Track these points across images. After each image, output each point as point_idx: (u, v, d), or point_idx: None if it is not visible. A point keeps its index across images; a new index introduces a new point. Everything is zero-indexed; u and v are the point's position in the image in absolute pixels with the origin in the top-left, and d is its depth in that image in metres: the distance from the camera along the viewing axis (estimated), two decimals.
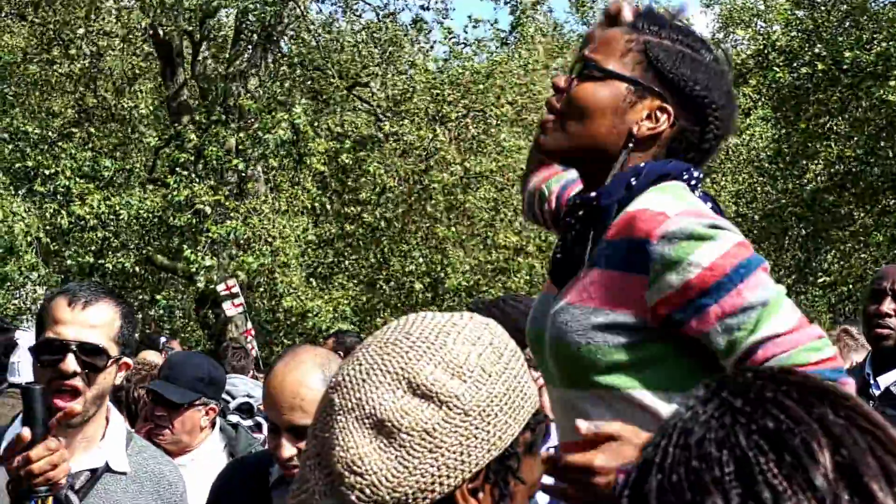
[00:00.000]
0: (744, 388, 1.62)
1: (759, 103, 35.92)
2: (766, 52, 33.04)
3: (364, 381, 2.53)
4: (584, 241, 3.75)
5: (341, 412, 2.52)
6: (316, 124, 33.30)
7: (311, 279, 33.76)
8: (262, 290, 32.79)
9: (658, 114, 3.66)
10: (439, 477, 2.51)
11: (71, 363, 4.67)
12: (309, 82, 35.49)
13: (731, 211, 39.79)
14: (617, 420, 3.49)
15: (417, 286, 33.78)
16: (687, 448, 1.56)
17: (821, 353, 3.44)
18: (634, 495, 1.60)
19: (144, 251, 32.22)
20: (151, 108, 35.71)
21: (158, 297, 33.88)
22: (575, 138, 3.73)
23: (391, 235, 33.79)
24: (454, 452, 2.52)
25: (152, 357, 11.31)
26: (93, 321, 4.82)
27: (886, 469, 1.50)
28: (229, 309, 25.68)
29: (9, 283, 29.84)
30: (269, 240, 30.76)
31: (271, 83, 33.58)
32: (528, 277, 33.10)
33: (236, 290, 24.61)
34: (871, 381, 6.88)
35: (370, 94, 34.14)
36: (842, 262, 35.68)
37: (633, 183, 3.63)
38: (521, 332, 5.17)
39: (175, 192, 30.14)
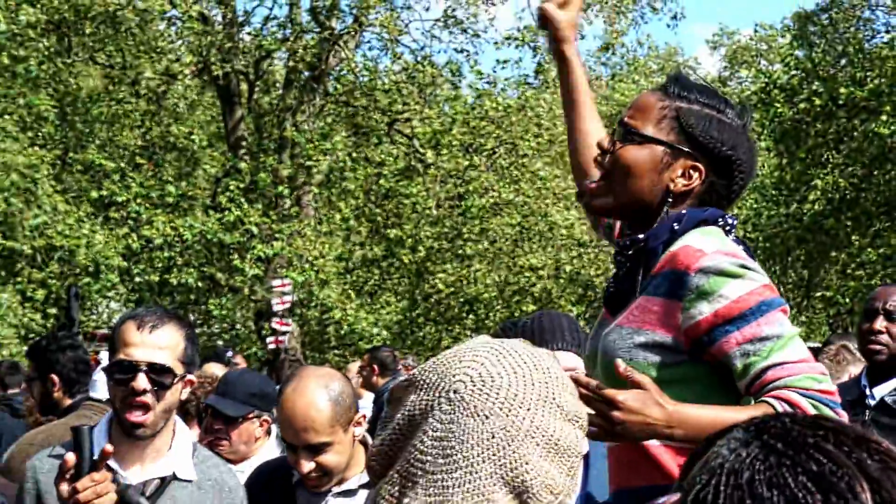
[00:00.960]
0: (783, 432, 1.65)
1: (762, 136, 33.81)
2: (768, 89, 32.74)
3: (531, 406, 2.43)
4: (634, 275, 3.83)
5: (523, 434, 2.40)
6: (354, 155, 33.50)
7: (350, 294, 33.20)
8: (312, 304, 32.14)
9: (691, 172, 3.74)
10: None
11: (141, 382, 4.74)
12: (352, 118, 35.21)
13: (739, 233, 39.52)
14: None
15: (453, 302, 34.34)
16: (739, 488, 1.59)
17: (822, 384, 3.51)
18: None
19: (205, 269, 32.19)
20: (206, 140, 35.62)
21: (211, 305, 33.56)
22: (620, 196, 3.80)
23: (428, 255, 33.50)
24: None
25: (216, 370, 10.91)
26: (160, 343, 4.87)
27: None
28: (277, 324, 25.30)
29: (90, 303, 30.23)
30: (311, 259, 30.65)
31: (317, 118, 33.36)
32: (538, 297, 33.58)
33: (288, 289, 24.32)
34: (868, 393, 6.82)
35: (410, 130, 33.86)
36: (840, 280, 34.65)
37: (676, 228, 3.70)
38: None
39: (227, 214, 30.59)
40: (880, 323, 6.73)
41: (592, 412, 3.38)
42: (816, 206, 31.84)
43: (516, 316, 32.32)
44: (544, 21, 4.53)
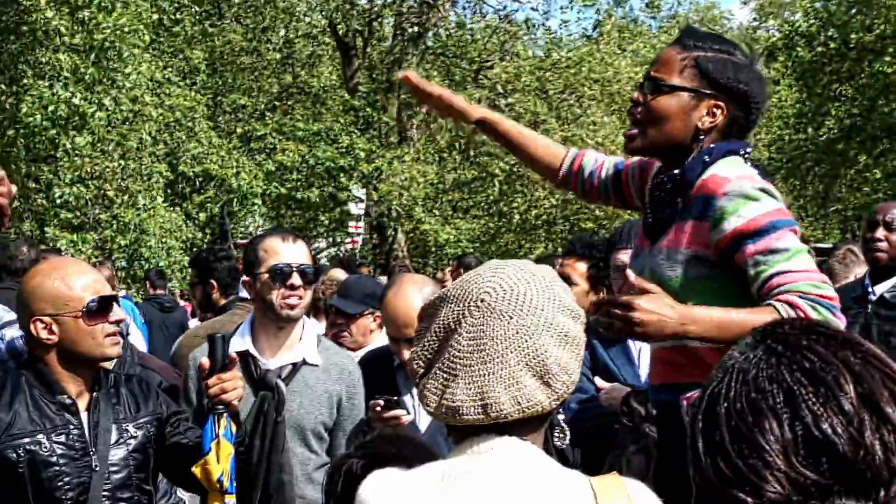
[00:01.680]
0: (783, 337, 1.69)
1: (786, 74, 34.38)
2: (790, 35, 32.01)
3: (543, 307, 2.46)
4: (674, 205, 3.78)
5: (541, 328, 2.45)
6: None
7: (437, 212, 33.66)
8: (402, 221, 32.24)
9: (715, 110, 3.70)
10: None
11: (296, 279, 4.88)
12: (446, 67, 34.90)
13: (765, 155, 38.01)
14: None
15: (529, 217, 34.37)
16: (746, 383, 1.63)
17: (822, 290, 3.48)
18: (707, 419, 1.68)
19: (326, 188, 32.23)
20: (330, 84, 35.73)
21: (322, 217, 34.42)
22: (656, 139, 3.76)
23: (506, 180, 33.41)
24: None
25: (339, 275, 10.97)
26: (301, 251, 5.03)
27: (894, 397, 1.57)
28: (352, 228, 24.49)
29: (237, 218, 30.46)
30: (404, 180, 30.77)
31: (417, 67, 32.16)
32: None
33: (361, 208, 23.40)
34: (870, 290, 6.72)
35: (492, 76, 33.76)
36: (849, 194, 34.81)
37: (707, 160, 3.68)
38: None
39: (341, 142, 31.02)
40: (880, 232, 6.66)
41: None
42: (830, 133, 31.43)
43: (575, 230, 32.70)
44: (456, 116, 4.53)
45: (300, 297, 4.90)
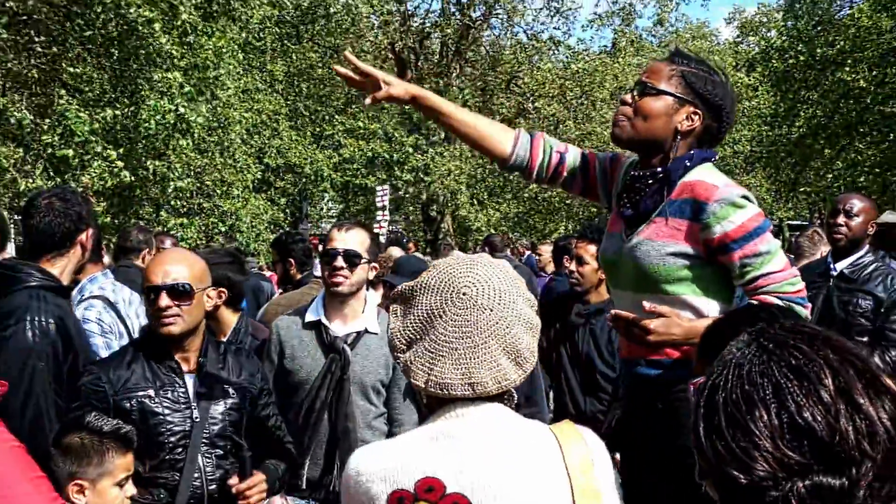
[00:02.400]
0: (773, 336, 1.66)
1: (763, 82, 34.35)
2: (767, 50, 32.17)
3: (514, 301, 2.45)
4: (657, 198, 3.72)
5: (513, 319, 2.43)
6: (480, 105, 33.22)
7: (475, 201, 33.30)
8: (444, 208, 32.39)
9: (693, 116, 3.66)
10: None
11: (339, 262, 4.81)
12: (483, 77, 35.01)
13: (747, 149, 38.63)
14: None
15: (552, 199, 34.23)
16: (740, 377, 1.61)
17: (795, 286, 3.54)
18: (707, 406, 1.65)
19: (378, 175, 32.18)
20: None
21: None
22: (641, 133, 3.71)
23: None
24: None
25: (394, 252, 10.39)
26: (351, 238, 4.91)
27: (867, 389, 1.55)
28: (380, 216, 24.56)
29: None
30: (445, 173, 30.96)
31: (459, 77, 33.29)
32: None
33: (387, 193, 23.41)
34: (832, 267, 6.62)
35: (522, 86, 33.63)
36: (816, 180, 34.36)
37: (688, 164, 3.64)
38: None
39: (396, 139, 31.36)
40: (841, 219, 6.57)
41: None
42: (800, 130, 31.16)
43: (592, 210, 32.63)
44: (390, 99, 4.16)
45: (345, 277, 4.84)
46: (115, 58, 17.57)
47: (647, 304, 3.53)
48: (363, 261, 4.90)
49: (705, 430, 1.64)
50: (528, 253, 14.30)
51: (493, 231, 30.86)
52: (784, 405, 1.55)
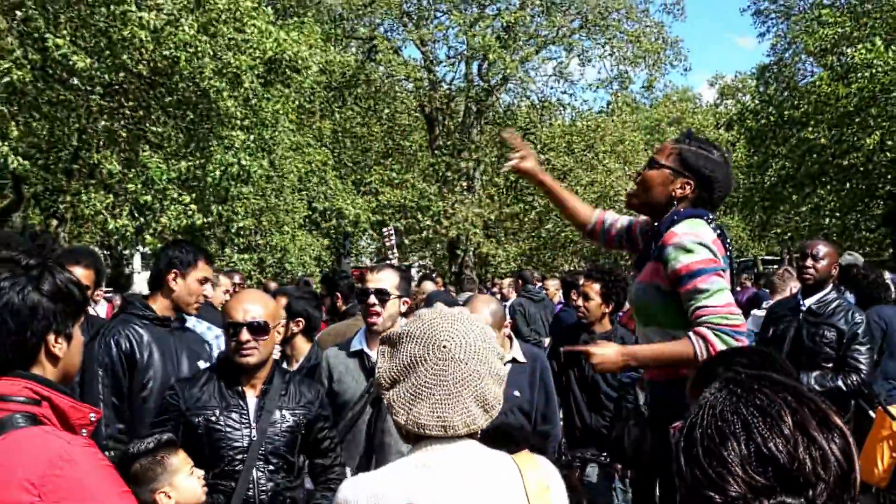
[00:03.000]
0: (741, 382, 1.68)
1: (739, 138, 33.78)
2: (742, 111, 32.19)
3: (486, 357, 2.43)
4: (649, 249, 3.87)
5: (485, 372, 2.42)
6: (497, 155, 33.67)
7: (492, 239, 33.35)
8: (467, 245, 32.14)
9: (686, 186, 3.75)
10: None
11: (371, 299, 4.74)
12: (498, 134, 34.77)
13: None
14: (658, 340, 3.76)
15: (560, 239, 34.40)
16: (714, 416, 1.63)
17: (729, 321, 3.56)
18: (687, 440, 1.66)
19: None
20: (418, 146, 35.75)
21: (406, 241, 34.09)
22: (644, 199, 3.85)
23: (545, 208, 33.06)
24: None
25: (428, 286, 10.53)
26: (381, 278, 4.84)
27: (821, 425, 1.58)
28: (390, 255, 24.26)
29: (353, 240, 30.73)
30: (464, 218, 30.90)
31: (481, 134, 33.40)
32: None
33: (392, 233, 23.52)
34: (801, 303, 6.54)
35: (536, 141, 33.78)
36: (785, 223, 34.49)
37: (675, 219, 3.72)
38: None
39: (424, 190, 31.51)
40: (809, 262, 6.49)
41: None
42: (771, 179, 31.20)
43: (593, 248, 32.65)
44: (520, 173, 4.61)
45: (377, 313, 4.77)
46: (189, 119, 17.94)
47: (588, 348, 3.76)
48: (393, 296, 4.81)
49: (685, 460, 1.65)
50: (538, 284, 14.25)
51: (508, 266, 31.09)
52: (752, 438, 1.58)
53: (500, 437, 3.14)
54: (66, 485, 2.26)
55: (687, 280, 3.60)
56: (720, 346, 3.47)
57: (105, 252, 25.10)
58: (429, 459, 2.40)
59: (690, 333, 3.57)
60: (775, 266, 49.44)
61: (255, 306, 3.97)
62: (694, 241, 3.62)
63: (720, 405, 1.66)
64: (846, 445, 1.60)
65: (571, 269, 37.41)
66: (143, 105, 18.13)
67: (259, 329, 3.93)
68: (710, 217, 3.81)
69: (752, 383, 1.68)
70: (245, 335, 3.90)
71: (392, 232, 21.57)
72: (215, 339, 5.69)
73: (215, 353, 5.11)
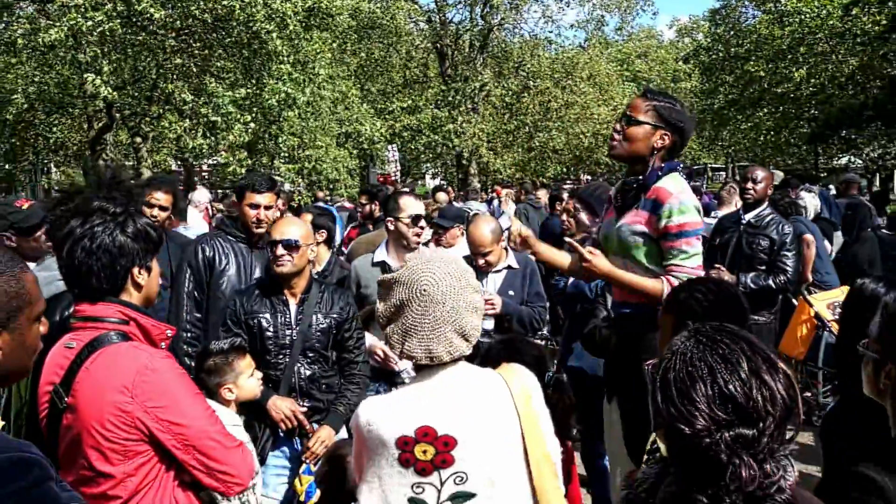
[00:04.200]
0: (707, 334, 1.67)
1: (695, 70, 34.28)
2: (697, 48, 32.80)
3: (461, 291, 2.36)
4: (637, 196, 3.67)
5: (462, 307, 2.35)
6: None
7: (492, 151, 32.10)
8: (472, 157, 31.15)
9: (664, 137, 3.59)
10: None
11: (422, 223, 4.76)
12: (499, 65, 33.55)
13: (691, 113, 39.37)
14: (634, 271, 3.63)
15: (547, 151, 34.14)
16: (685, 361, 1.62)
17: (695, 270, 3.51)
18: (662, 381, 1.65)
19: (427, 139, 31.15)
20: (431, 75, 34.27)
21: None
22: (627, 151, 3.64)
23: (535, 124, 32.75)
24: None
25: (442, 196, 10.53)
26: (422, 205, 4.86)
27: (770, 370, 1.59)
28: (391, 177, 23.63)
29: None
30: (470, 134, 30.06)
31: (484, 67, 32.18)
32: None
33: (395, 157, 22.65)
34: (742, 217, 6.48)
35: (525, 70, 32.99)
36: (729, 139, 34.41)
37: (660, 174, 3.58)
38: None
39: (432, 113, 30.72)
40: (749, 184, 6.42)
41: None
42: (719, 103, 31.04)
43: (576, 154, 32.39)
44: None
45: (419, 234, 4.78)
46: (244, 56, 18.12)
47: (583, 251, 3.63)
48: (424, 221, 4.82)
49: (661, 398, 1.66)
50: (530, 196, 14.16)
51: (506, 174, 30.83)
52: (715, 380, 1.60)
53: (510, 348, 3.13)
54: (151, 388, 2.32)
55: (674, 238, 3.50)
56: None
57: (179, 163, 25.02)
58: (433, 386, 2.37)
59: (664, 278, 3.50)
60: (721, 172, 49.43)
61: (289, 228, 3.94)
62: (688, 202, 3.52)
63: (689, 353, 1.66)
64: (790, 386, 1.63)
65: (556, 175, 37.34)
66: (208, 45, 18.27)
67: (290, 246, 3.89)
68: (681, 168, 3.72)
69: (716, 335, 1.68)
70: (280, 250, 3.88)
71: (395, 151, 21.37)
72: None
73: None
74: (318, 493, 3.62)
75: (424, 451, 2.28)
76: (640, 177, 3.67)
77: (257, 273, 4.47)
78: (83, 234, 2.43)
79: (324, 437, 3.87)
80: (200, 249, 4.46)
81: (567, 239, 3.86)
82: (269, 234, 4.06)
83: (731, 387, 1.59)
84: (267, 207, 4.52)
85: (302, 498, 3.75)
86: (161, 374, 2.35)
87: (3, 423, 1.97)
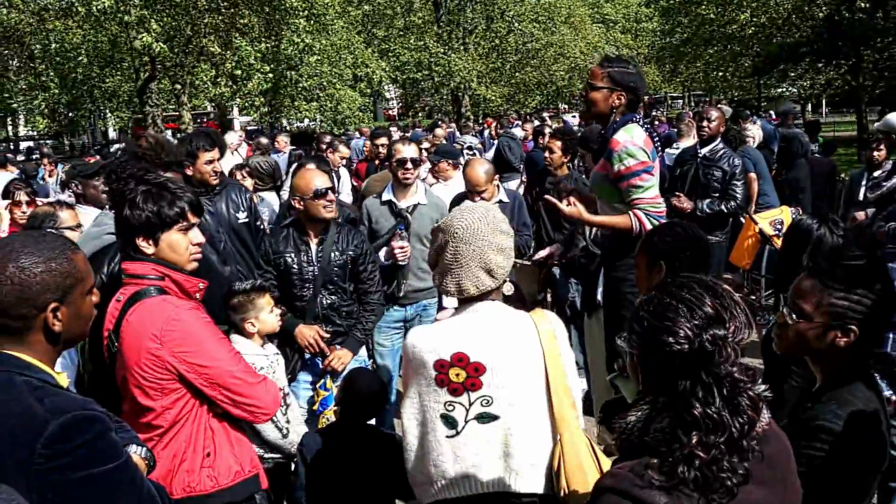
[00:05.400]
0: (677, 284, 1.64)
1: (656, 12, 33.86)
2: None
3: (488, 234, 2.32)
4: (602, 149, 3.66)
5: (488, 248, 2.31)
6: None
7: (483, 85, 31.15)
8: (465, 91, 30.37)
9: (620, 97, 3.52)
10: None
11: (409, 165, 4.65)
12: (487, 11, 32.51)
13: (645, 52, 38.39)
14: (606, 211, 3.65)
15: (530, 85, 33.46)
16: (661, 299, 1.61)
17: (656, 208, 3.48)
18: (641, 315, 1.63)
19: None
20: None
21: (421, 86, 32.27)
22: (594, 110, 3.59)
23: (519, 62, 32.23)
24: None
25: (439, 132, 10.13)
26: (413, 148, 4.76)
27: (726, 292, 1.61)
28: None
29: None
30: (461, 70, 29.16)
31: (473, 12, 31.45)
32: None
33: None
34: (699, 151, 6.29)
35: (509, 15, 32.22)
36: (686, 71, 33.51)
37: (615, 127, 3.52)
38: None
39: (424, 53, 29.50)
40: (704, 123, 6.24)
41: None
42: (677, 41, 30.59)
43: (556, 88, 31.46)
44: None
45: (411, 174, 4.67)
46: (265, 11, 17.78)
47: (564, 209, 3.61)
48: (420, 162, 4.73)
49: (643, 325, 1.64)
50: (515, 122, 13.95)
51: (497, 102, 30.38)
52: (689, 307, 1.59)
53: None
54: (178, 335, 2.33)
55: (627, 178, 3.46)
56: (649, 226, 3.40)
57: (213, 105, 24.70)
58: (468, 318, 2.34)
59: (630, 213, 3.47)
60: (679, 100, 48.74)
61: (325, 179, 3.86)
62: (632, 147, 3.46)
63: (664, 292, 1.65)
64: (746, 309, 1.63)
65: (537, 106, 36.81)
66: (234, 3, 17.83)
67: (330, 194, 3.83)
68: (638, 117, 3.62)
69: (686, 283, 1.66)
70: (326, 199, 3.78)
71: (393, 90, 20.84)
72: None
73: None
74: (333, 405, 3.65)
75: (457, 374, 2.27)
76: (604, 131, 3.65)
77: (226, 214, 4.37)
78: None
79: (341, 355, 3.84)
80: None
81: (546, 197, 3.77)
82: (302, 185, 3.84)
83: (698, 305, 1.59)
84: (217, 160, 4.38)
85: (316, 408, 3.76)
86: (185, 322, 2.35)
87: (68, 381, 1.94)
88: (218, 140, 4.45)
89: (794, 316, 2.03)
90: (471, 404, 2.27)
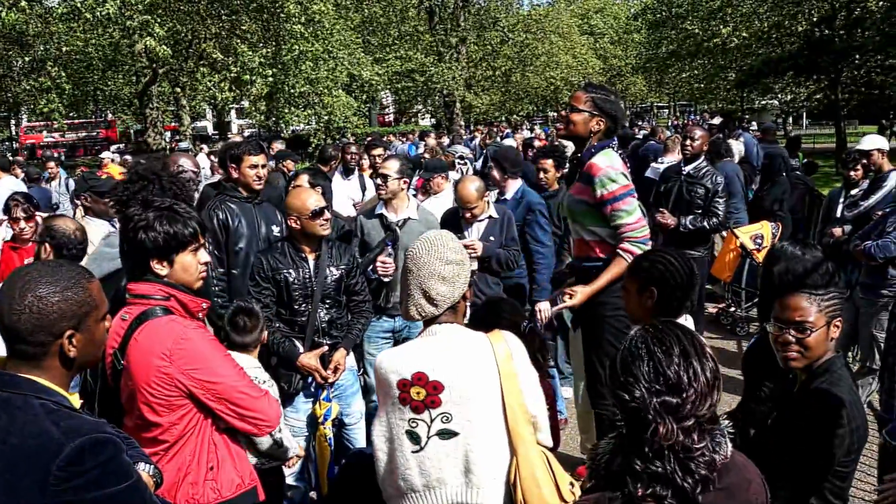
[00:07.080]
0: (654, 328, 1.67)
1: (643, 25, 34.05)
2: (644, 8, 32.06)
3: (431, 263, 2.36)
4: (576, 172, 3.70)
5: (429, 277, 2.35)
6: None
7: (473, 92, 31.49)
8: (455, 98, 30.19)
9: (600, 122, 3.56)
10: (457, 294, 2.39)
11: (379, 181, 4.65)
12: (480, 21, 32.63)
13: (633, 62, 38.63)
14: (581, 234, 3.67)
15: (521, 94, 33.45)
16: (634, 346, 1.64)
17: (642, 233, 3.50)
18: (615, 362, 1.67)
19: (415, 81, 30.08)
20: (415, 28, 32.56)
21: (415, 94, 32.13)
22: (571, 133, 3.62)
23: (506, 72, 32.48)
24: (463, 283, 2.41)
25: (431, 141, 9.98)
26: (393, 166, 4.69)
27: (698, 355, 1.62)
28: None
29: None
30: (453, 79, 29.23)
31: (466, 22, 31.25)
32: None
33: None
34: (683, 168, 6.28)
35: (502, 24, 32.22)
36: (672, 82, 34.16)
37: (593, 151, 3.55)
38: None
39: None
40: (688, 142, 6.25)
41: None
42: (663, 54, 30.76)
43: (545, 96, 31.54)
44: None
45: (381, 188, 4.68)
46: (265, 18, 17.84)
47: (543, 310, 3.86)
48: (397, 178, 4.65)
49: (613, 374, 1.68)
50: (507, 130, 13.96)
51: (487, 108, 30.34)
52: (651, 360, 1.62)
53: (491, 310, 3.08)
54: (186, 354, 2.35)
55: (611, 202, 3.48)
56: (637, 251, 3.41)
57: (211, 107, 24.61)
58: (427, 341, 2.39)
59: (619, 251, 3.49)
60: (665, 110, 48.93)
61: (318, 198, 3.85)
62: (613, 172, 3.49)
63: (636, 339, 1.68)
64: (714, 369, 1.64)
65: (528, 113, 36.88)
66: (236, 10, 17.85)
67: (325, 213, 3.84)
68: (613, 145, 3.66)
69: (659, 326, 1.70)
70: (322, 218, 3.77)
71: (389, 96, 20.70)
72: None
73: None
74: (333, 414, 3.74)
75: (418, 393, 2.31)
76: (580, 155, 3.65)
77: (263, 226, 4.27)
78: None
79: (337, 357, 3.84)
80: (214, 214, 4.14)
81: (554, 307, 3.79)
82: (298, 205, 3.83)
83: (662, 365, 1.60)
84: (262, 166, 4.33)
85: (320, 420, 3.80)
86: (193, 342, 2.37)
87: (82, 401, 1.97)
88: (265, 149, 4.43)
89: (798, 331, 2.25)
90: (432, 421, 2.32)
